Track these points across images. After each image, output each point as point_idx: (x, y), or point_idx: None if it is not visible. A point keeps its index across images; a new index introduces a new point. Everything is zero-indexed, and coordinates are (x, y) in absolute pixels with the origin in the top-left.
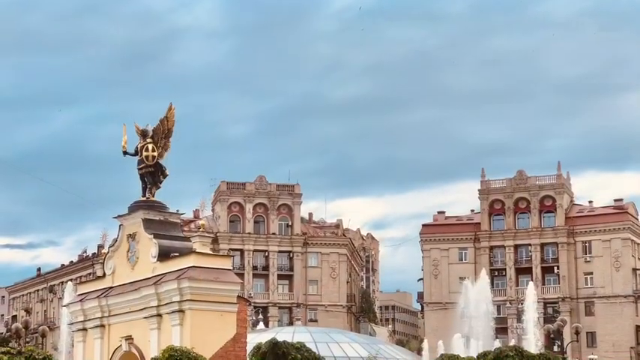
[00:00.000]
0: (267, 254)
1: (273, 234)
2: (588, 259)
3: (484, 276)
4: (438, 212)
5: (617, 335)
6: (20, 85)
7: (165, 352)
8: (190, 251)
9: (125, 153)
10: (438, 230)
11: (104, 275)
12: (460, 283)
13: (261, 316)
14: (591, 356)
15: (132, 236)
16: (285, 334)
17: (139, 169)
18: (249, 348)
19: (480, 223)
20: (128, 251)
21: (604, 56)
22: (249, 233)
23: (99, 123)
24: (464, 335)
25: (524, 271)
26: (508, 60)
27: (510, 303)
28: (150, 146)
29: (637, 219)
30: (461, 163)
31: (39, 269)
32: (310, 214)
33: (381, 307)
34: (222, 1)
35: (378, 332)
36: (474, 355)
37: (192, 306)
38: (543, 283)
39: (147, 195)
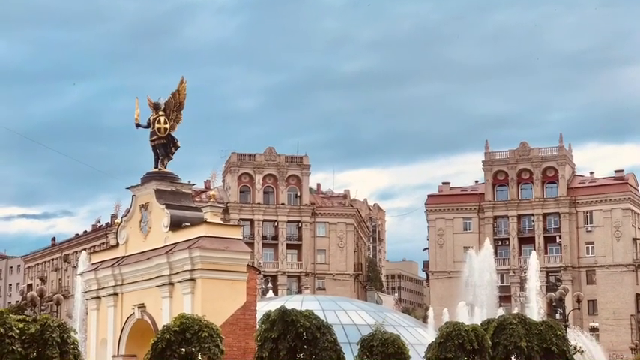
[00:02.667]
0: (276, 224)
1: (282, 204)
2: (589, 228)
3: (488, 245)
4: (443, 183)
5: (618, 303)
6: (35, 60)
7: (177, 320)
8: (201, 221)
9: (138, 125)
10: (443, 201)
11: (117, 245)
12: (464, 252)
13: (270, 285)
14: (592, 323)
15: (144, 206)
16: (294, 302)
17: (151, 141)
18: (259, 315)
19: (483, 194)
20: (141, 221)
21: (605, 30)
22: (258, 204)
23: (112, 96)
24: (468, 303)
25: (526, 240)
26: (511, 34)
27: (513, 272)
28: (162, 119)
29: (637, 190)
30: (465, 136)
31: (54, 239)
32: (318, 185)
33: (387, 275)
34: None
35: (385, 300)
36: (478, 323)
37: (203, 274)
38: (546, 253)
39: (159, 166)
